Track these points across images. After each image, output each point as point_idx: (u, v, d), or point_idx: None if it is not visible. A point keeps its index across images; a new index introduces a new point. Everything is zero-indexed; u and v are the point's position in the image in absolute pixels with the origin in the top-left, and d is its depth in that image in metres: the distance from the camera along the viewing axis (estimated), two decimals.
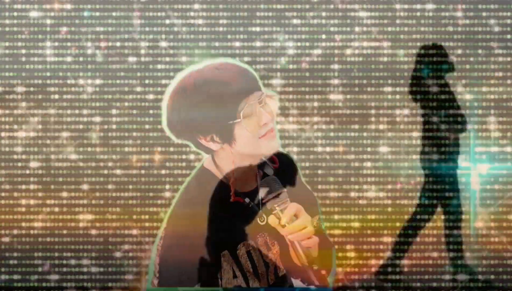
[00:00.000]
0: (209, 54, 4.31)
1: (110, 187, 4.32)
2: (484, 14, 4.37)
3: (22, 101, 4.33)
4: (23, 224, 4.30)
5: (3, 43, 4.33)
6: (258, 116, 1.87)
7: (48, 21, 4.33)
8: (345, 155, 4.37)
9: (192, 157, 4.32)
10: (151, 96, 4.34)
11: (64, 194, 4.32)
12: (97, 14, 4.34)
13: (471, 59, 4.39)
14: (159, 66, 4.34)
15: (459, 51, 4.40)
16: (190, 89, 1.92)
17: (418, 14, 4.38)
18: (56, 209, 4.31)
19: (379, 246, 4.37)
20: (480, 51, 4.38)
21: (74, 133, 4.34)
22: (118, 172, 4.32)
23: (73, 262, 4.28)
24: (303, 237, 1.80)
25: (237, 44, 4.34)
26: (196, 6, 4.34)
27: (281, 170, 2.01)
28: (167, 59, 4.34)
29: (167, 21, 4.34)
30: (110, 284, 4.28)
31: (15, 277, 4.28)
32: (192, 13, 4.35)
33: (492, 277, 4.36)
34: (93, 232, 4.30)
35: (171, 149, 4.32)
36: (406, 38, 4.39)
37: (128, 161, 4.33)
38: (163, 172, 4.33)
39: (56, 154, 4.33)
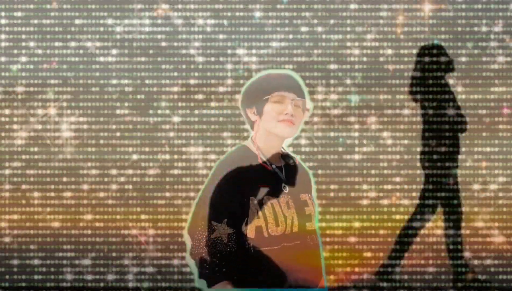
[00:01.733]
0: (208, 54, 4.32)
1: (110, 187, 4.32)
2: (483, 14, 4.37)
3: (22, 101, 4.34)
4: (24, 224, 4.31)
5: (3, 43, 4.33)
6: (284, 105, 2.50)
7: (48, 21, 4.34)
8: (345, 155, 4.38)
9: (192, 157, 4.33)
10: (152, 97, 4.35)
11: (64, 194, 4.33)
12: (97, 14, 4.35)
13: (471, 59, 4.40)
14: (159, 66, 4.35)
15: (459, 51, 4.40)
16: (257, 80, 2.60)
17: (418, 14, 4.39)
18: (56, 209, 4.32)
19: (379, 246, 4.37)
20: (480, 51, 4.38)
21: (74, 133, 4.34)
22: (118, 172, 4.32)
23: (72, 262, 4.29)
24: None
25: (237, 44, 4.34)
26: (196, 6, 4.35)
27: (295, 171, 2.61)
28: (171, 59, 4.34)
29: (168, 21, 4.34)
30: (111, 284, 4.29)
31: (15, 277, 4.28)
32: (192, 13, 4.35)
33: (492, 277, 4.36)
34: (93, 232, 4.31)
35: (174, 149, 4.33)
36: (406, 38, 4.39)
37: (128, 161, 4.33)
38: (162, 172, 4.34)
39: (56, 154, 4.33)
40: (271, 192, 2.56)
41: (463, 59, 4.40)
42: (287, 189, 2.59)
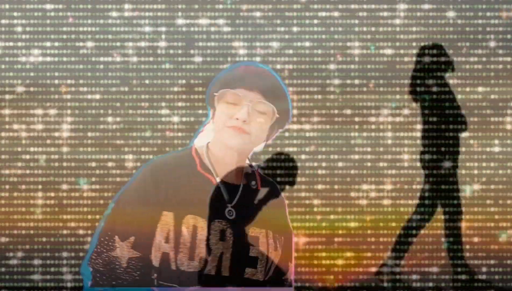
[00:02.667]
0: (208, 54, 4.32)
1: (110, 187, 4.32)
2: (483, 14, 4.37)
3: (22, 101, 4.34)
4: (23, 224, 4.31)
5: (2, 43, 4.33)
6: (238, 108, 1.92)
7: (48, 21, 4.33)
8: (345, 155, 4.37)
9: None
10: (151, 97, 4.34)
11: (64, 194, 4.32)
12: (97, 14, 4.34)
13: (471, 59, 4.39)
14: (160, 66, 4.34)
15: (459, 51, 4.40)
16: (226, 71, 2.03)
17: (418, 14, 4.38)
18: (56, 209, 4.31)
19: (379, 246, 4.37)
20: (480, 51, 4.38)
21: (74, 133, 4.34)
22: (118, 172, 4.32)
23: (73, 262, 4.28)
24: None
25: (237, 44, 4.34)
26: (196, 6, 4.35)
27: (254, 197, 2.00)
28: (167, 59, 4.34)
29: (167, 21, 4.34)
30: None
31: (15, 277, 4.28)
32: (192, 13, 4.35)
33: (492, 277, 4.36)
34: (93, 232, 4.30)
35: (172, 149, 4.32)
36: (406, 38, 4.39)
37: (128, 161, 4.33)
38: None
39: (56, 153, 4.33)
40: (203, 212, 1.88)
41: (463, 59, 4.40)
42: (233, 215, 1.92)
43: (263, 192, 2.01)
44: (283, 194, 2.08)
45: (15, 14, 4.33)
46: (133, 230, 1.90)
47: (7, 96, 4.33)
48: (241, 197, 1.94)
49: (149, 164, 1.98)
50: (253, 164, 2.04)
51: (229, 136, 1.91)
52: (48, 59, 4.33)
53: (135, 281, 1.88)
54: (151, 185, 1.92)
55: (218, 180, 1.94)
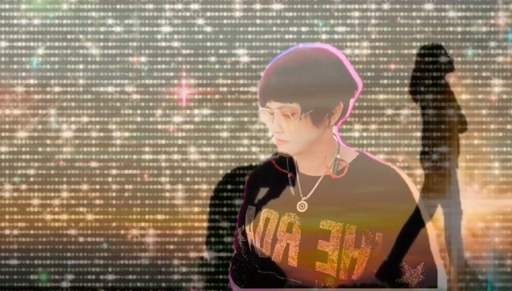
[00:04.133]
0: (208, 54, 4.32)
1: (110, 187, 4.32)
2: (483, 14, 4.37)
3: (22, 101, 4.34)
4: (23, 224, 4.31)
5: (3, 43, 4.33)
6: (270, 120, 1.94)
7: (48, 21, 4.33)
8: None
9: (192, 157, 4.32)
10: (151, 96, 4.34)
11: (64, 194, 4.32)
12: (98, 14, 4.34)
13: (471, 59, 4.39)
14: (159, 67, 4.34)
15: (459, 51, 4.40)
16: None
17: (418, 14, 4.38)
18: (56, 209, 4.32)
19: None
20: (480, 51, 4.38)
21: (74, 133, 4.34)
22: (118, 172, 4.32)
23: (73, 262, 4.28)
24: None
25: (237, 44, 4.34)
26: (196, 6, 4.35)
27: (336, 187, 1.99)
28: (168, 59, 4.34)
29: (167, 21, 4.34)
30: (110, 284, 4.29)
31: (15, 277, 4.28)
32: (192, 13, 4.35)
33: (492, 277, 4.36)
34: (93, 232, 4.30)
35: (174, 149, 4.33)
36: (406, 38, 4.39)
37: (128, 161, 4.33)
38: (163, 172, 4.33)
39: (56, 154, 4.33)
40: (276, 203, 1.98)
41: (463, 59, 4.40)
42: (304, 208, 1.96)
43: (352, 180, 1.96)
44: (410, 182, 1.96)
45: (15, 14, 4.33)
46: (240, 221, 2.12)
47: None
48: (318, 189, 1.93)
49: (247, 180, 2.14)
50: (352, 149, 2.02)
51: (280, 148, 1.94)
52: (48, 59, 4.34)
53: (246, 262, 2.11)
54: (247, 192, 2.08)
55: (290, 174, 1.98)
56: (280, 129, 1.90)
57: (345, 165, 1.97)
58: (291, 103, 1.89)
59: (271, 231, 1.95)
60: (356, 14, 4.36)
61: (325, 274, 1.91)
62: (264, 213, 1.98)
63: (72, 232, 4.31)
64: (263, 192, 2.01)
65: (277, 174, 2.02)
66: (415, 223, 2.02)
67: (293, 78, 1.90)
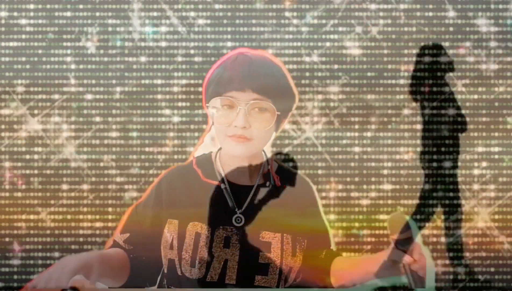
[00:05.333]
0: (208, 54, 4.32)
1: (110, 187, 4.32)
2: (483, 14, 4.37)
3: (22, 101, 4.34)
4: (23, 224, 4.31)
5: (3, 43, 4.33)
6: (233, 112, 1.76)
7: (48, 21, 4.33)
8: (346, 155, 4.37)
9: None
10: (151, 96, 4.34)
11: (64, 194, 4.32)
12: (97, 14, 4.34)
13: (472, 59, 4.39)
14: (159, 66, 4.34)
15: (459, 51, 4.40)
16: (218, 65, 1.87)
17: (418, 14, 4.38)
18: (56, 209, 4.32)
19: (379, 246, 4.37)
20: (480, 51, 4.38)
21: (74, 133, 4.34)
22: (118, 172, 4.32)
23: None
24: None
25: (237, 44, 4.34)
26: (196, 6, 4.35)
27: (270, 197, 1.85)
28: (167, 59, 4.34)
29: (167, 21, 4.34)
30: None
31: (15, 277, 4.28)
32: (192, 13, 4.35)
33: (492, 277, 4.36)
34: (93, 232, 4.31)
35: (174, 149, 4.33)
36: (406, 38, 4.39)
37: (128, 161, 4.33)
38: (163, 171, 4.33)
39: (56, 154, 4.33)
40: (208, 218, 1.79)
41: (463, 59, 4.40)
42: (241, 221, 1.81)
43: (282, 190, 1.85)
44: (314, 189, 1.88)
45: (15, 14, 4.33)
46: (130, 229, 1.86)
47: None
48: (252, 200, 1.81)
49: (158, 179, 1.93)
50: (275, 157, 1.88)
51: (231, 147, 1.79)
52: (47, 59, 4.34)
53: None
54: (158, 197, 1.88)
55: (225, 185, 1.82)
56: (248, 125, 1.76)
57: (275, 175, 1.86)
58: (268, 99, 1.77)
59: (204, 247, 1.79)
60: (356, 14, 4.37)
61: (265, 287, 1.80)
62: (192, 227, 1.81)
63: (73, 232, 4.31)
64: (185, 202, 1.83)
65: (201, 183, 1.85)
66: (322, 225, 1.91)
67: (269, 76, 1.81)
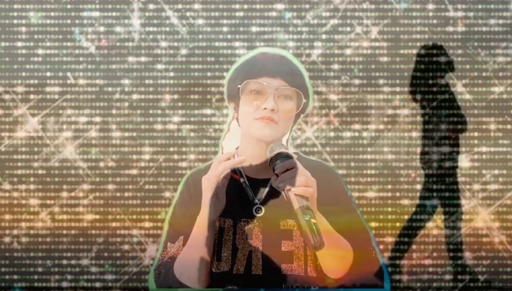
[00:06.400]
0: (208, 54, 4.32)
1: (110, 187, 4.32)
2: (484, 14, 4.37)
3: (22, 101, 4.34)
4: (23, 224, 4.31)
5: (3, 43, 4.33)
6: (263, 97, 1.87)
7: (48, 21, 4.33)
8: (345, 155, 4.37)
9: (192, 157, 4.32)
10: (151, 96, 4.34)
11: (64, 194, 4.32)
12: (97, 14, 4.34)
13: (471, 59, 4.39)
14: (159, 66, 4.34)
15: (459, 51, 4.40)
16: (242, 62, 1.98)
17: (418, 14, 4.38)
18: (56, 209, 4.32)
19: (379, 246, 4.36)
20: (480, 51, 4.38)
21: (74, 133, 4.34)
22: (118, 172, 4.32)
23: (73, 262, 4.28)
24: (298, 182, 1.73)
25: (237, 44, 4.34)
26: (196, 6, 4.35)
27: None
28: (167, 59, 4.34)
29: (167, 21, 4.34)
30: (110, 284, 4.28)
31: (15, 277, 4.27)
32: (192, 13, 4.35)
33: (492, 277, 4.36)
34: (93, 232, 4.30)
35: (172, 149, 4.32)
36: (406, 38, 4.39)
37: (128, 161, 4.33)
38: (163, 172, 4.33)
39: (56, 154, 4.33)
40: (230, 212, 1.86)
41: (463, 59, 4.40)
42: (261, 212, 1.88)
43: None
44: (338, 175, 1.95)
45: (15, 14, 4.33)
46: (181, 233, 1.90)
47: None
48: (270, 191, 1.88)
49: (184, 179, 1.99)
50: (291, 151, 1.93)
51: (258, 129, 1.86)
52: (48, 59, 4.34)
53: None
54: (189, 199, 1.93)
55: (244, 178, 1.90)
56: (276, 108, 1.87)
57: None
58: (294, 89, 1.89)
59: (229, 241, 1.86)
60: (356, 14, 4.36)
61: (293, 275, 1.86)
62: (217, 223, 1.88)
63: (72, 232, 4.31)
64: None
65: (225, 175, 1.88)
66: (352, 215, 1.97)
67: (296, 71, 1.95)
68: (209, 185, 1.79)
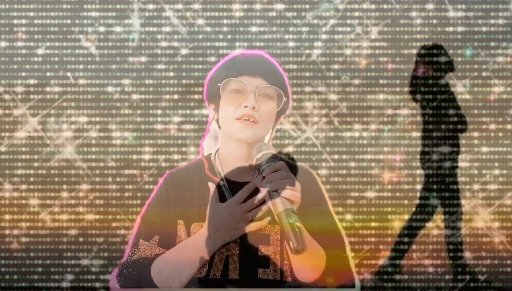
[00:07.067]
0: (208, 54, 4.32)
1: (110, 187, 4.32)
2: (484, 14, 4.37)
3: (22, 101, 4.34)
4: (23, 224, 4.30)
5: (3, 43, 4.33)
6: (244, 96, 1.87)
7: (48, 21, 4.33)
8: (345, 155, 4.37)
9: (192, 156, 4.32)
10: (151, 96, 4.34)
11: (64, 194, 4.32)
12: (97, 14, 4.34)
13: (472, 59, 4.39)
14: (159, 66, 4.34)
15: (459, 51, 4.40)
16: (221, 64, 1.99)
17: (418, 14, 4.38)
18: (56, 209, 4.31)
19: (379, 246, 4.36)
20: (480, 51, 4.38)
21: (74, 133, 4.34)
22: (118, 172, 4.32)
23: (73, 262, 4.28)
24: (283, 185, 1.72)
25: (237, 44, 4.34)
26: (196, 6, 4.34)
27: None
28: (167, 59, 4.34)
29: (167, 21, 4.34)
30: (110, 284, 4.28)
31: (15, 277, 4.27)
32: (192, 13, 4.35)
33: (492, 277, 4.36)
34: (93, 232, 4.30)
35: (172, 149, 4.32)
36: (406, 38, 4.39)
37: (128, 161, 4.32)
38: (163, 172, 4.33)
39: (56, 154, 4.33)
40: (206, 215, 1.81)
41: (463, 59, 4.40)
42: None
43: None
44: (318, 180, 1.94)
45: (15, 14, 4.33)
46: (156, 233, 1.90)
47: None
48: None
49: (163, 178, 2.00)
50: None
51: (239, 130, 1.86)
52: (48, 59, 4.33)
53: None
54: (166, 198, 1.94)
55: (223, 182, 1.89)
56: (257, 107, 1.86)
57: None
58: (275, 88, 1.89)
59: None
60: (356, 14, 4.36)
61: (269, 280, 1.84)
62: (195, 228, 1.88)
63: (72, 232, 4.31)
64: (188, 202, 1.90)
65: (203, 179, 1.91)
66: (330, 219, 1.96)
67: (276, 70, 1.95)
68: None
